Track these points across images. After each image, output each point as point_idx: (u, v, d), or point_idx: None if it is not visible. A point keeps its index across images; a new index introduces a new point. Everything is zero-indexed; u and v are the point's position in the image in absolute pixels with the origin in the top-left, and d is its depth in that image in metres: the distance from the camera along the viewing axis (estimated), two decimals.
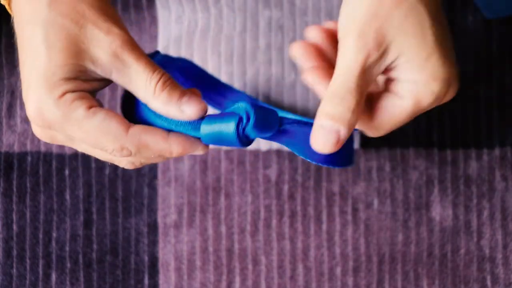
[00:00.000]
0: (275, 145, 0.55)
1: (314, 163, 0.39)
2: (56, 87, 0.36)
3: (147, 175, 0.56)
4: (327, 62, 0.42)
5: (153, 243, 0.56)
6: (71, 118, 0.36)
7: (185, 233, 0.55)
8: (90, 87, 0.37)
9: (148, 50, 0.55)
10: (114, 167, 0.56)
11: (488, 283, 0.55)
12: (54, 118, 0.36)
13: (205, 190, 0.55)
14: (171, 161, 0.55)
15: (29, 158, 0.56)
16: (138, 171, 0.56)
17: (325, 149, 0.37)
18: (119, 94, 0.56)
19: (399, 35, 0.36)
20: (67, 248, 0.56)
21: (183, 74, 0.46)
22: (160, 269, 0.55)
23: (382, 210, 0.55)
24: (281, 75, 0.55)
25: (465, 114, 0.56)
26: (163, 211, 0.56)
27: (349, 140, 0.41)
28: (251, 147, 0.55)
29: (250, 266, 0.55)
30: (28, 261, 0.56)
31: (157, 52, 0.44)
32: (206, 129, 0.37)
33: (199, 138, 0.38)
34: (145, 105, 0.38)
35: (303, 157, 0.39)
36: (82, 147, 0.39)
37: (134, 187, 0.56)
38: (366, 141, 0.55)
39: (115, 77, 0.37)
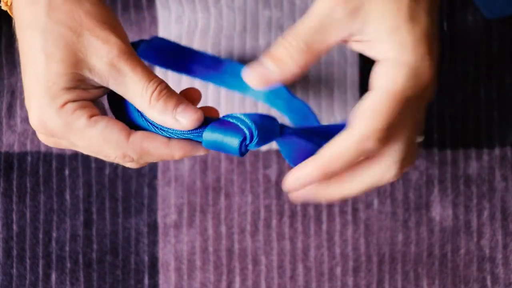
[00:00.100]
0: (275, 145, 0.55)
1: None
2: (57, 97, 0.36)
3: (147, 175, 0.56)
4: None
5: (153, 243, 0.56)
6: (73, 128, 0.37)
7: (185, 233, 0.55)
8: (91, 95, 0.38)
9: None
10: (114, 167, 0.56)
11: (488, 283, 0.55)
12: (56, 128, 0.37)
13: (205, 190, 0.55)
14: (171, 161, 0.55)
15: (29, 158, 0.56)
16: (138, 171, 0.56)
17: (251, 81, 0.37)
18: None
19: (375, 1, 0.35)
20: (67, 248, 0.56)
21: (165, 54, 0.47)
22: (160, 269, 0.55)
23: (382, 210, 0.55)
24: None
25: (465, 114, 0.56)
26: (163, 211, 0.56)
27: None
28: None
29: (250, 266, 0.55)
30: (28, 261, 0.56)
31: (141, 41, 0.45)
32: (208, 137, 0.37)
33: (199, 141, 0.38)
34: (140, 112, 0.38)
35: (289, 163, 0.39)
36: (86, 152, 0.39)
37: (134, 187, 0.56)
38: None
39: (112, 86, 0.37)
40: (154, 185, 0.56)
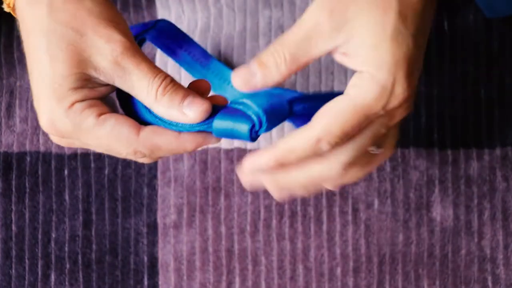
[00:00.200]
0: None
1: None
2: (65, 97, 0.37)
3: (146, 175, 0.56)
4: None
5: (153, 243, 0.55)
6: (82, 128, 0.37)
7: (185, 234, 0.55)
8: (98, 93, 0.38)
9: (148, 50, 0.55)
10: (114, 168, 0.56)
11: (489, 283, 0.55)
12: (66, 128, 0.37)
13: (204, 190, 0.55)
14: (171, 161, 0.55)
15: (28, 158, 0.56)
16: (138, 171, 0.56)
17: (238, 83, 0.37)
18: None
19: (361, 15, 0.35)
20: (66, 249, 0.55)
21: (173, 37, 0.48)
22: (160, 270, 0.55)
23: (383, 211, 0.55)
24: None
25: (465, 114, 0.55)
26: (162, 211, 0.55)
27: None
28: (251, 146, 0.55)
29: (250, 267, 0.55)
30: (27, 261, 0.56)
31: (150, 27, 0.46)
32: (218, 125, 0.37)
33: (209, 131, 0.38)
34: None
35: None
36: (99, 150, 0.40)
37: (133, 187, 0.56)
38: None
39: (118, 83, 0.37)
40: (154, 185, 0.56)
